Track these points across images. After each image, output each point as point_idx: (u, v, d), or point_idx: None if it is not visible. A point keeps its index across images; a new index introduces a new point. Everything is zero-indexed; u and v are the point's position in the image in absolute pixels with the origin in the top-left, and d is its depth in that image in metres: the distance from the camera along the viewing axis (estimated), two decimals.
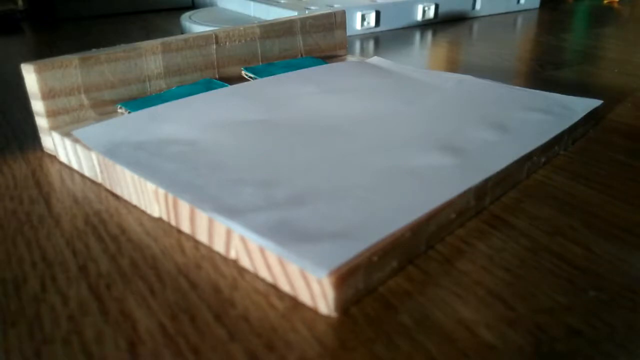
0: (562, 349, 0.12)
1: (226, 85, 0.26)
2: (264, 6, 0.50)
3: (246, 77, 0.28)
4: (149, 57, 0.25)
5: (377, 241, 0.14)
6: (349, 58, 0.33)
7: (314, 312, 0.14)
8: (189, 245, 0.17)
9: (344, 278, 0.13)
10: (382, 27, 0.49)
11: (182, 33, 0.50)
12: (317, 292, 0.13)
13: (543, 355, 0.12)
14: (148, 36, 0.50)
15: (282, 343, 0.13)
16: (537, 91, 0.26)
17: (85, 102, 0.23)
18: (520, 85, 0.28)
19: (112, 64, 0.24)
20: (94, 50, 0.24)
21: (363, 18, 0.48)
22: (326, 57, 0.33)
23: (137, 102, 0.24)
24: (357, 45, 0.45)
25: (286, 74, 0.28)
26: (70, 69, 0.23)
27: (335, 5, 0.47)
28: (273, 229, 0.15)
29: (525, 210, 0.18)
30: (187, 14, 0.51)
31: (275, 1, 0.51)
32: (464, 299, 0.14)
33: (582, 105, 0.24)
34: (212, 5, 0.60)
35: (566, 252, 0.16)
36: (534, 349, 0.12)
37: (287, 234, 0.14)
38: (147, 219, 0.18)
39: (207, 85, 0.26)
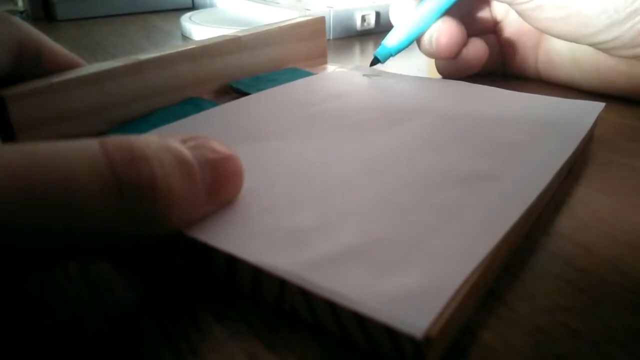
0: (562, 350, 0.12)
1: (216, 104, 0.25)
2: (263, 7, 0.50)
3: (235, 92, 0.27)
4: (125, 78, 0.23)
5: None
6: (329, 67, 0.32)
7: None
8: None
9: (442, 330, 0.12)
10: (382, 28, 0.49)
11: (182, 34, 0.50)
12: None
13: (543, 356, 0.12)
14: (148, 37, 0.50)
15: None
16: (539, 96, 0.26)
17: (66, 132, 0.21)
18: (517, 87, 0.28)
19: (88, 88, 0.22)
20: (67, 72, 0.22)
21: (363, 19, 0.48)
22: (307, 67, 0.31)
23: (124, 127, 0.23)
24: (357, 46, 0.45)
25: (279, 88, 0.27)
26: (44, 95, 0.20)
27: (335, 7, 0.47)
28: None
29: None
30: (187, 15, 0.51)
31: (274, 2, 0.51)
32: None
33: (588, 110, 0.24)
34: (212, 6, 0.60)
35: (566, 252, 0.16)
36: (533, 350, 0.12)
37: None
38: None
39: (196, 105, 0.25)
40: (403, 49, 0.30)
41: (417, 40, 0.30)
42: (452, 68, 0.30)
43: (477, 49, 0.30)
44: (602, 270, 0.15)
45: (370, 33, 0.49)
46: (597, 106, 0.24)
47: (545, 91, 0.27)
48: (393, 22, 0.31)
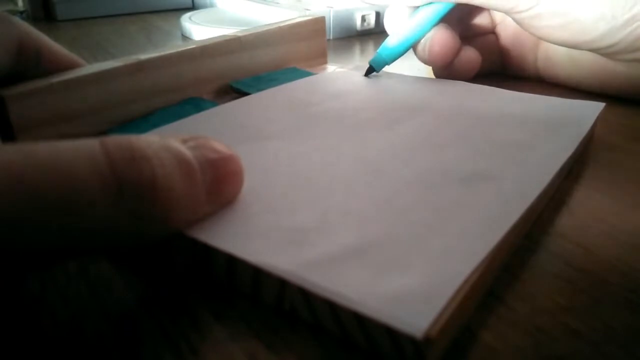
0: (562, 350, 0.12)
1: (216, 104, 0.25)
2: (263, 7, 0.50)
3: (235, 92, 0.27)
4: (125, 78, 0.23)
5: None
6: (329, 67, 0.32)
7: None
8: None
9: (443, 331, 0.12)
10: (382, 28, 0.49)
11: (182, 34, 0.50)
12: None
13: (543, 356, 0.12)
14: (148, 37, 0.50)
15: None
16: (539, 96, 0.26)
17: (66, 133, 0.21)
18: (517, 87, 0.28)
19: (88, 88, 0.22)
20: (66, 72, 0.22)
21: (363, 19, 0.48)
22: (307, 67, 0.31)
23: (124, 127, 0.23)
24: (357, 46, 0.45)
25: (279, 88, 0.27)
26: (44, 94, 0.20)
27: (335, 7, 0.47)
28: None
29: None
30: (187, 15, 0.51)
31: (274, 2, 0.51)
32: None
33: (588, 110, 0.24)
34: (212, 6, 0.60)
35: (566, 252, 0.16)
36: (533, 350, 0.12)
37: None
38: None
39: (196, 105, 0.25)
40: (398, 56, 0.30)
41: (413, 47, 0.30)
42: (446, 75, 0.31)
43: (469, 58, 0.30)
44: (602, 270, 0.15)
45: (370, 33, 0.49)
46: (597, 106, 0.24)
47: (545, 91, 0.27)
48: (388, 30, 0.31)
